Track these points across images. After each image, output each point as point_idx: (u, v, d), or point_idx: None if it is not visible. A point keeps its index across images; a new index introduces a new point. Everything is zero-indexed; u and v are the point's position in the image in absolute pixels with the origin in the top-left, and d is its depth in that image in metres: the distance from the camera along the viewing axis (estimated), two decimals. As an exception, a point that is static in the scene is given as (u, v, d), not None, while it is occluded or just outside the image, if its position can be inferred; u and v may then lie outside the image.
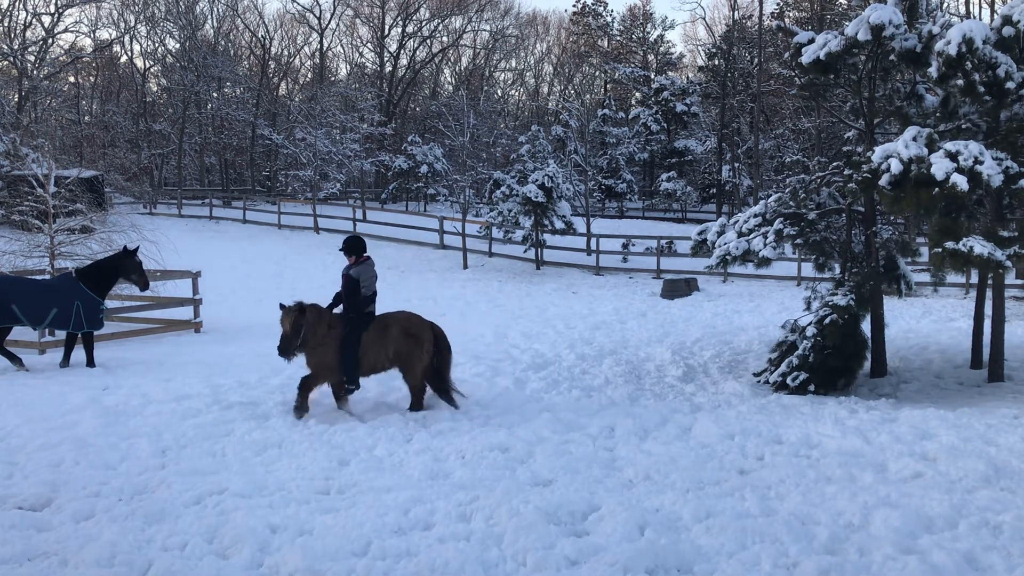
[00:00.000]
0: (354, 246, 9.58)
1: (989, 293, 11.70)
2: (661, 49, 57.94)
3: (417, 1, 52.61)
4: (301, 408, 9.08)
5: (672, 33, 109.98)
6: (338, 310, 9.55)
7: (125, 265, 12.66)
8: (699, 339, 15.26)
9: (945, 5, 31.88)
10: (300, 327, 8.95)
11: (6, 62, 39.01)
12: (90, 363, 12.38)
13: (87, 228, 18.28)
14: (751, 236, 11.66)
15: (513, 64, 63.27)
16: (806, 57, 11.45)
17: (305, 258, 27.78)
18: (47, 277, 15.04)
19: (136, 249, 13.01)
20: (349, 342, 9.21)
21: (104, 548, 5.23)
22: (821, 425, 8.64)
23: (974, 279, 15.36)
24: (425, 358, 9.44)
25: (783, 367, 11.01)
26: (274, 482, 6.69)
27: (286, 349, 9.00)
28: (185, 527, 5.66)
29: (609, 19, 58.30)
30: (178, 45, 49.28)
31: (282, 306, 9.11)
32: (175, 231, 28.04)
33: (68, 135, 40.27)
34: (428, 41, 55.10)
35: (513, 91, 64.10)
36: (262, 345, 14.39)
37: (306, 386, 9.21)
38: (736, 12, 45.71)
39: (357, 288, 9.34)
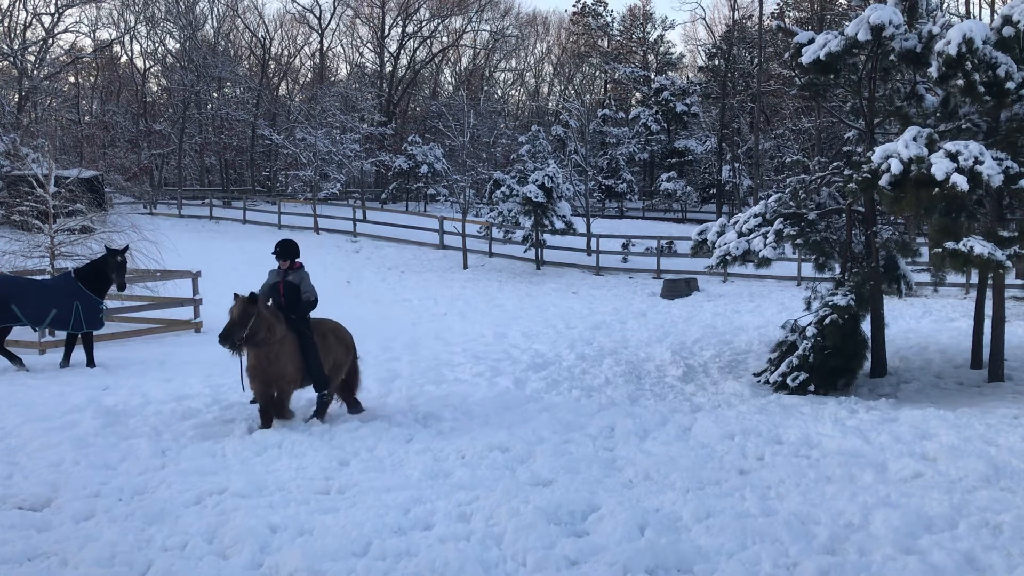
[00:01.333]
0: (289, 250, 8.98)
1: (989, 293, 11.70)
2: (661, 49, 57.95)
3: (417, 1, 52.62)
4: (286, 414, 8.73)
5: (672, 33, 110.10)
6: None
7: (108, 264, 12.67)
8: (699, 339, 15.27)
9: (945, 5, 31.89)
10: (249, 317, 8.21)
11: (6, 62, 38.99)
12: (90, 363, 12.38)
13: (87, 228, 18.28)
14: (751, 236, 11.66)
15: (513, 64, 63.32)
16: (806, 57, 11.46)
17: (305, 258, 27.66)
18: (47, 277, 15.04)
19: (123, 250, 13.01)
20: (311, 348, 8.75)
21: (104, 548, 5.23)
22: (821, 425, 8.64)
23: (974, 279, 15.36)
24: (349, 364, 9.42)
25: (783, 367, 11.01)
26: (274, 482, 6.69)
27: (228, 336, 8.21)
28: (185, 527, 5.66)
29: (609, 19, 58.31)
30: (178, 45, 49.30)
31: (236, 295, 8.43)
32: (175, 231, 28.03)
33: (68, 135, 40.25)
34: (428, 41, 55.13)
35: (513, 91, 64.17)
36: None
37: (279, 405, 8.71)
38: (736, 12, 45.73)
39: (299, 294, 8.83)
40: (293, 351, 8.58)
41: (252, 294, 8.36)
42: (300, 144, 39.03)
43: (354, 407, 9.51)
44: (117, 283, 12.74)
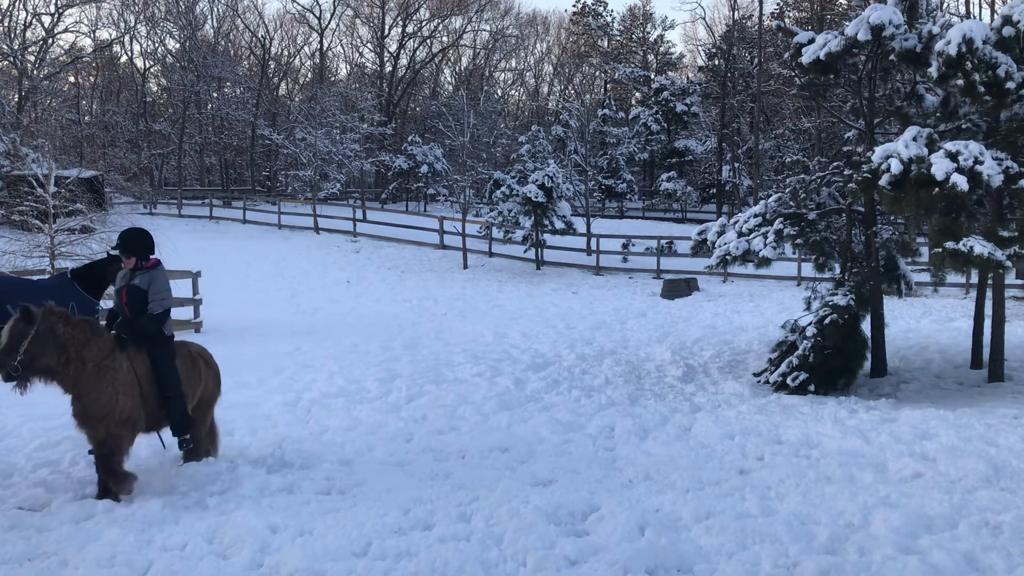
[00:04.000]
0: (135, 244, 6.71)
1: (989, 293, 11.69)
2: (661, 49, 57.98)
3: (417, 1, 52.65)
4: (118, 474, 6.27)
5: (672, 33, 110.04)
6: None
7: (108, 268, 12.62)
8: (699, 339, 15.26)
9: (945, 5, 31.88)
10: (20, 339, 6.09)
11: (6, 62, 39.00)
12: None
13: (87, 228, 18.29)
14: (751, 236, 11.66)
15: (513, 64, 63.38)
16: (806, 57, 11.46)
17: (305, 258, 27.79)
18: (45, 277, 15.03)
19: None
20: (169, 377, 6.58)
21: (104, 548, 5.22)
22: (821, 425, 8.65)
23: (974, 279, 15.35)
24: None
25: (783, 367, 11.01)
26: (275, 482, 6.68)
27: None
28: (185, 527, 5.66)
29: (609, 19, 58.34)
30: (178, 45, 49.33)
31: (19, 307, 6.32)
32: (175, 231, 28.01)
33: (68, 135, 40.24)
34: (428, 41, 55.18)
35: (513, 91, 64.20)
36: (262, 345, 14.39)
37: (105, 459, 6.25)
38: (736, 12, 45.76)
39: (145, 303, 6.66)
40: (128, 380, 6.38)
41: (27, 308, 6.21)
42: (300, 144, 39.05)
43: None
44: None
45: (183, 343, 7.22)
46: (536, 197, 26.19)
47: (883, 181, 9.66)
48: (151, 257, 6.83)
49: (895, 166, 9.57)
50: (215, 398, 7.32)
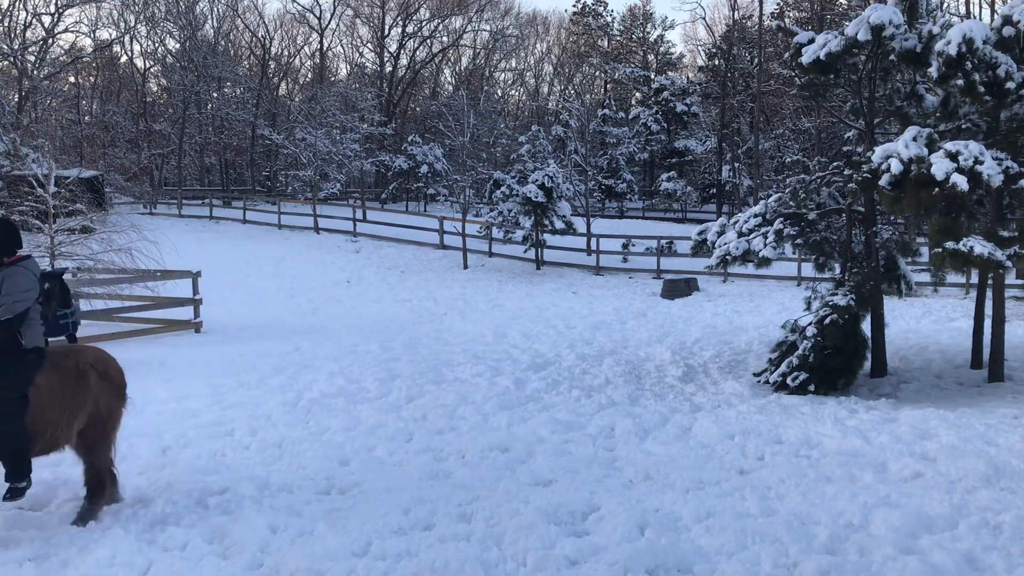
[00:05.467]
0: None
1: (989, 293, 11.69)
2: (661, 49, 58.00)
3: (417, 1, 52.65)
4: None
5: (672, 33, 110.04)
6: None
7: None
8: (699, 339, 15.26)
9: (945, 5, 31.88)
10: None
11: (6, 62, 38.99)
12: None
13: (87, 228, 18.27)
14: (751, 236, 11.65)
15: (513, 64, 63.37)
16: (806, 57, 11.46)
17: (305, 258, 27.79)
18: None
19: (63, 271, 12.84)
20: (6, 401, 5.40)
21: (104, 549, 5.23)
22: (821, 425, 8.65)
23: (974, 279, 15.35)
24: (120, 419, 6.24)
25: (783, 367, 11.01)
26: (275, 482, 6.69)
27: None
28: (185, 527, 5.66)
29: (609, 19, 58.37)
30: (178, 45, 49.33)
31: None
32: (175, 231, 28.03)
33: (68, 135, 40.17)
34: (428, 41, 55.17)
35: (513, 91, 64.19)
36: (262, 345, 14.40)
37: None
38: (736, 12, 45.73)
39: None
40: None
41: None
42: (300, 144, 39.05)
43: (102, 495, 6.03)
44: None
45: (73, 352, 6.01)
46: (536, 197, 26.19)
47: (883, 181, 9.67)
48: (17, 252, 5.66)
49: (895, 166, 9.58)
50: (116, 415, 6.12)
